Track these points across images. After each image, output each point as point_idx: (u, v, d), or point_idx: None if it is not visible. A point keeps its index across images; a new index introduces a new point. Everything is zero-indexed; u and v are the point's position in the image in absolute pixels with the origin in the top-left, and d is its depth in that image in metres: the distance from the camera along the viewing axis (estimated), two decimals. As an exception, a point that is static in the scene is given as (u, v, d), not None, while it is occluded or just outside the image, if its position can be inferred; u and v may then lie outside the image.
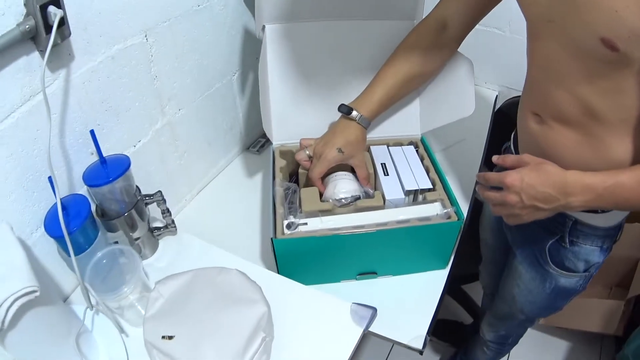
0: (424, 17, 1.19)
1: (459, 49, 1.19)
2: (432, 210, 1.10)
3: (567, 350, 2.10)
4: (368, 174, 1.18)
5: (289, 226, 1.05)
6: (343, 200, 1.12)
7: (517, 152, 1.11)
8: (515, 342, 1.59)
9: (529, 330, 2.08)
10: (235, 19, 1.39)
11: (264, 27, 1.24)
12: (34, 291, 0.76)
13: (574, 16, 0.75)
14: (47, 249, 1.00)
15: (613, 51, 0.72)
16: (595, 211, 0.96)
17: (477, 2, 1.05)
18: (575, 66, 0.81)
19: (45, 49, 0.84)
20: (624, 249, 1.97)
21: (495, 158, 0.95)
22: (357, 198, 1.14)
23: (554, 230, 1.05)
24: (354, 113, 1.15)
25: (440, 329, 2.05)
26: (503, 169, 0.90)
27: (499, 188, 0.89)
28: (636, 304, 1.86)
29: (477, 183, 0.99)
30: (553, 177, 0.84)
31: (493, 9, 1.07)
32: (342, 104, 1.17)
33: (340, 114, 1.18)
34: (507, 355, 2.03)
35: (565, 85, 0.84)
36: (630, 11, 0.67)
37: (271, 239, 1.02)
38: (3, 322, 0.74)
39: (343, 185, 1.15)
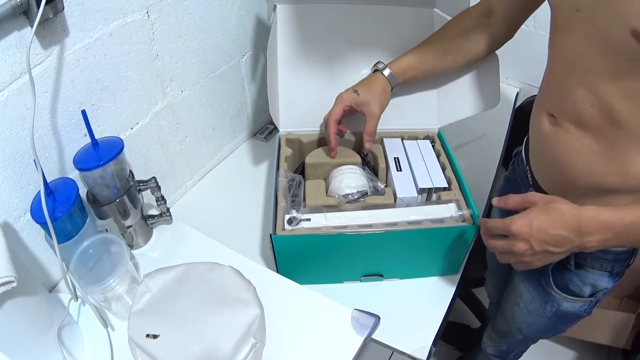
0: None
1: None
2: (447, 211, 1.03)
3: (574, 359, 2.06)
4: (374, 130, 1.12)
5: (290, 221, 0.99)
6: (350, 196, 1.06)
7: (527, 158, 1.03)
8: (518, 357, 1.53)
9: None
10: (245, -1, 1.33)
11: (275, 6, 1.18)
12: (11, 281, 0.71)
13: (604, 4, 0.68)
14: (34, 234, 0.96)
15: None
16: None
17: None
18: (600, 62, 0.73)
19: (42, 23, 0.80)
20: (636, 260, 1.93)
21: (495, 201, 0.87)
22: (365, 194, 1.07)
23: None
24: (386, 70, 1.12)
25: (447, 331, 1.99)
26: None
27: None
28: None
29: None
30: (565, 217, 0.77)
31: None
32: (379, 61, 1.15)
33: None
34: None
35: (587, 83, 0.76)
36: None
37: (270, 235, 0.96)
38: None
39: (350, 180, 1.08)
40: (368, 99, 1.10)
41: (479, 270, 1.53)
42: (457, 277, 1.15)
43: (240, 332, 0.80)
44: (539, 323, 1.12)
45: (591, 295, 0.99)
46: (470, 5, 1.12)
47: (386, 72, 1.11)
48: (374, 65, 1.14)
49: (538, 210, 0.78)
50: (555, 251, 0.79)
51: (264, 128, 1.62)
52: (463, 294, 2.05)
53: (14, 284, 0.73)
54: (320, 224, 0.99)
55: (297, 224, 0.99)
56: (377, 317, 0.90)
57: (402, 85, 1.14)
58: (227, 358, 0.77)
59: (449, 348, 2.01)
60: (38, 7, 0.79)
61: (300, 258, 1.02)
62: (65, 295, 0.97)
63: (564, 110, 0.83)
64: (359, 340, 0.87)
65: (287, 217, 1.00)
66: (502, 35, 1.10)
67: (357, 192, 1.07)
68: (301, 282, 1.00)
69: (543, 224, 0.77)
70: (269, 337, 0.87)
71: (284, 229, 0.98)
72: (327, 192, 1.10)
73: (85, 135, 1.00)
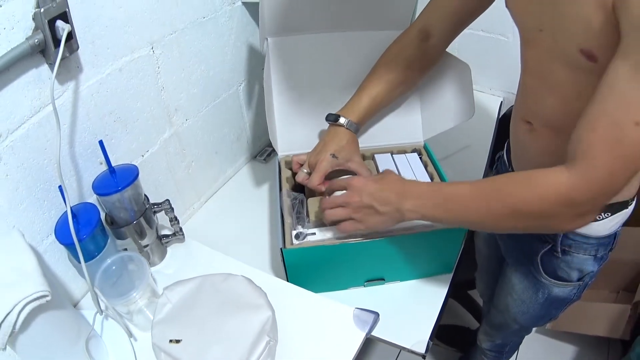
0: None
1: (457, 54, 1.20)
2: None
3: (574, 354, 2.08)
4: (369, 172, 1.16)
5: (297, 236, 1.06)
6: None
7: (509, 160, 1.11)
8: (513, 351, 1.58)
9: (536, 334, 2.08)
10: (240, 31, 1.42)
11: (266, 39, 1.26)
12: (45, 295, 0.78)
13: (559, 25, 0.76)
14: (57, 255, 1.03)
15: (591, 61, 0.73)
16: None
17: (459, 12, 1.05)
18: (564, 74, 0.81)
19: (54, 62, 0.86)
20: (629, 253, 1.98)
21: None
22: None
23: (545, 239, 1.03)
24: (342, 119, 1.15)
25: (447, 334, 2.05)
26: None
27: None
28: None
29: None
30: (392, 183, 0.93)
31: (494, 16, 1.07)
32: (329, 113, 1.18)
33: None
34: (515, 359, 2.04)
35: (556, 93, 0.84)
36: (602, 22, 0.67)
37: (281, 249, 1.03)
38: (14, 325, 0.76)
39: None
40: (347, 156, 1.14)
41: (471, 271, 1.60)
42: (450, 275, 1.21)
43: (255, 332, 0.87)
44: (532, 310, 1.18)
45: (579, 280, 1.06)
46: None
47: (345, 122, 1.15)
48: (327, 117, 1.19)
49: (374, 178, 0.97)
50: (379, 209, 0.92)
51: (262, 150, 1.70)
52: (459, 297, 2.10)
53: (48, 298, 0.79)
54: (324, 237, 1.06)
55: (304, 238, 1.05)
56: (377, 314, 0.96)
57: (361, 126, 1.20)
58: (245, 355, 0.83)
59: (450, 350, 2.05)
60: (55, 46, 0.86)
61: (308, 268, 1.08)
62: (87, 312, 1.03)
63: (538, 117, 0.92)
64: (361, 335, 0.94)
65: (294, 232, 1.06)
66: (439, 55, 1.18)
67: None
68: (310, 291, 1.06)
69: (374, 184, 0.94)
70: (281, 336, 0.93)
71: (292, 243, 1.05)
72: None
73: (101, 164, 1.07)
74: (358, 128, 1.18)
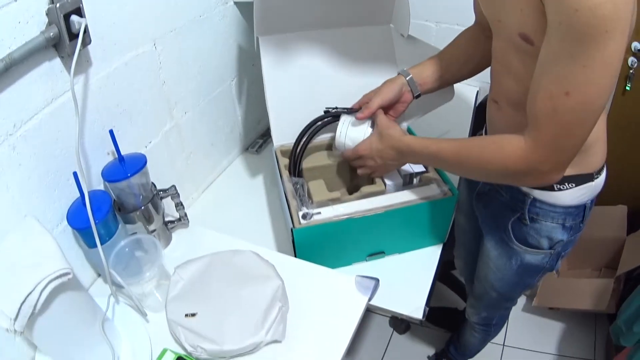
0: (401, 20, 1.33)
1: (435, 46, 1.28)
2: (430, 190, 1.19)
3: (562, 330, 2.13)
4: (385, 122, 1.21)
5: (304, 216, 1.11)
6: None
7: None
8: (501, 324, 1.63)
9: (523, 313, 2.15)
10: (232, 29, 1.46)
11: (257, 38, 1.31)
12: (67, 273, 0.80)
13: (507, 15, 0.87)
14: (66, 244, 1.04)
15: (529, 44, 0.83)
16: (551, 189, 1.02)
17: None
18: (516, 58, 0.91)
19: (70, 55, 0.90)
20: (609, 231, 2.07)
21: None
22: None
23: (515, 207, 1.09)
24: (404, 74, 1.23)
25: (436, 316, 2.09)
26: None
27: None
28: (627, 282, 1.92)
29: None
30: (392, 142, 1.11)
31: (470, 11, 1.18)
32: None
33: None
34: (503, 337, 2.09)
35: (512, 75, 0.95)
36: (532, 9, 0.78)
37: (291, 229, 1.08)
38: (35, 305, 0.76)
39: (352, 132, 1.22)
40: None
41: (451, 250, 1.67)
42: (441, 245, 1.30)
43: (268, 300, 0.91)
44: (507, 277, 1.25)
45: (550, 248, 1.12)
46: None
47: (405, 75, 1.22)
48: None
49: (376, 137, 1.15)
50: (391, 163, 1.16)
51: (254, 142, 1.75)
52: (445, 278, 2.16)
53: (70, 276, 0.81)
54: (329, 215, 1.12)
55: (311, 217, 1.11)
56: (377, 279, 1.02)
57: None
58: (260, 321, 0.88)
59: (440, 331, 2.11)
60: (70, 40, 0.89)
61: (316, 246, 1.13)
62: (97, 298, 1.04)
63: (503, 96, 1.02)
64: (364, 300, 1.00)
65: (300, 213, 1.11)
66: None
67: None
68: (316, 265, 1.12)
69: (378, 146, 1.14)
70: (290, 304, 0.97)
71: (300, 223, 1.10)
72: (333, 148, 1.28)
73: (108, 154, 1.10)
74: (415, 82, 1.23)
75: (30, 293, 0.75)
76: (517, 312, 2.18)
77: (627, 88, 1.88)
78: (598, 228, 2.05)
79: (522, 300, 2.21)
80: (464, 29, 1.23)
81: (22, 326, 0.76)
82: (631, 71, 1.84)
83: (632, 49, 1.80)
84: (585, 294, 1.98)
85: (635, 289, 1.72)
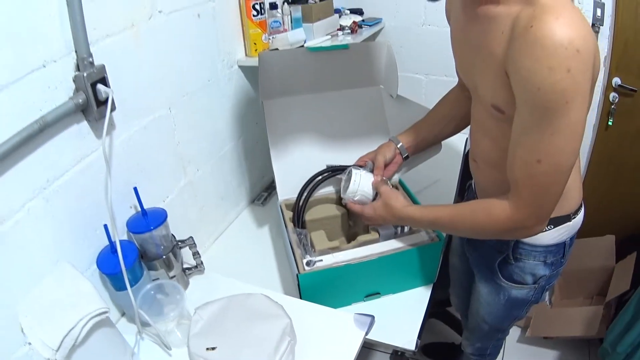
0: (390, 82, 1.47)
1: (425, 99, 1.42)
2: (419, 237, 1.29)
3: (557, 358, 2.16)
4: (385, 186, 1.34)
5: (308, 263, 1.21)
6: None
7: (476, 189, 1.30)
8: (495, 354, 1.67)
9: (519, 344, 2.20)
10: (237, 91, 1.60)
11: (262, 102, 1.45)
12: (106, 312, 0.91)
13: (482, 86, 1.00)
14: (94, 285, 1.11)
15: (500, 113, 0.96)
16: None
17: None
18: (490, 122, 1.04)
19: (97, 119, 1.02)
20: (598, 260, 2.15)
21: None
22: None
23: (501, 249, 1.19)
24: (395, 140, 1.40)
25: (434, 350, 2.16)
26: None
27: None
28: (618, 307, 1.96)
29: None
30: (394, 211, 1.22)
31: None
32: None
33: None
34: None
35: (488, 136, 1.07)
36: (502, 84, 0.90)
37: (296, 274, 1.18)
38: (77, 338, 0.87)
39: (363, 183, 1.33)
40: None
41: (446, 289, 1.76)
42: (431, 285, 1.37)
43: (278, 335, 0.99)
44: (496, 310, 1.33)
45: (534, 283, 1.21)
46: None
47: (395, 142, 1.39)
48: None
49: (380, 205, 1.25)
50: (389, 224, 1.29)
51: (259, 195, 1.86)
52: (441, 314, 2.23)
53: (108, 314, 0.92)
54: (330, 262, 1.22)
55: (314, 264, 1.21)
56: (372, 317, 1.12)
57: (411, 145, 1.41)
58: (272, 353, 0.96)
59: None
60: (98, 106, 1.01)
61: (319, 289, 1.23)
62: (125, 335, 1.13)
63: (480, 156, 1.15)
64: (362, 334, 1.09)
65: (304, 260, 1.22)
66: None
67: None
68: (319, 307, 1.21)
69: (382, 213, 1.24)
70: (298, 339, 1.06)
71: (304, 269, 1.20)
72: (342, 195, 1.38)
73: (131, 207, 1.21)
74: (404, 146, 1.40)
75: (72, 328, 0.86)
76: (512, 343, 2.22)
77: (610, 123, 1.96)
78: (588, 258, 2.15)
79: (516, 332, 2.26)
80: (451, 79, 1.37)
81: (63, 357, 0.86)
82: (612, 106, 1.92)
83: (613, 85, 1.88)
84: (576, 321, 2.03)
85: (619, 312, 1.78)
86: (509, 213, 0.98)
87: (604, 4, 1.68)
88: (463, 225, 1.10)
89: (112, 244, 1.08)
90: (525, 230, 1.00)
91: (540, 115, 0.84)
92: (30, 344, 0.88)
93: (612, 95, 1.91)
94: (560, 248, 1.16)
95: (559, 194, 0.94)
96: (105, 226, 1.06)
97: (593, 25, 1.73)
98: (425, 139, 1.39)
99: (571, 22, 0.78)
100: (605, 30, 1.75)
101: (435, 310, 2.18)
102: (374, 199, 1.32)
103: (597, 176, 2.13)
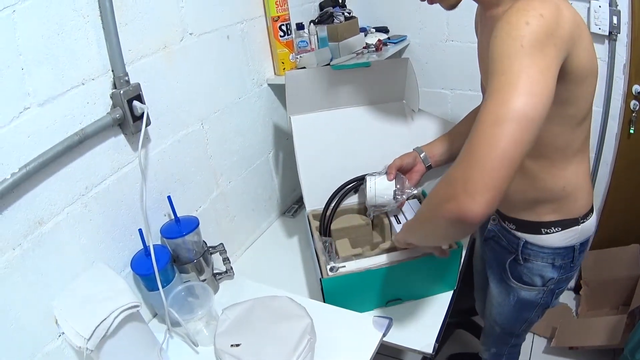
0: (412, 98, 1.50)
1: (450, 112, 1.43)
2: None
3: None
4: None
5: (332, 269, 1.25)
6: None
7: None
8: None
9: (544, 354, 2.16)
10: (267, 108, 1.67)
11: (290, 117, 1.51)
12: (137, 306, 0.97)
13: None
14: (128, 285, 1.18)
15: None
16: (539, 233, 1.13)
17: None
18: None
19: (133, 133, 1.10)
20: (623, 270, 2.09)
21: None
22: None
23: (511, 250, 1.20)
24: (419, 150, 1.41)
25: (459, 360, 2.15)
26: None
27: None
28: None
29: None
30: (397, 238, 1.20)
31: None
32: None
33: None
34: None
35: None
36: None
37: (320, 279, 1.22)
38: (108, 329, 0.93)
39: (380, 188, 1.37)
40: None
41: (471, 299, 1.75)
42: (451, 292, 1.38)
43: (299, 333, 1.03)
44: (507, 311, 1.34)
45: (543, 285, 1.21)
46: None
47: (420, 153, 1.40)
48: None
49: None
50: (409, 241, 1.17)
51: (290, 207, 1.91)
52: (466, 324, 2.20)
53: (139, 307, 0.98)
54: (353, 268, 1.25)
55: (337, 270, 1.25)
56: (390, 319, 1.15)
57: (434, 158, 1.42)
58: (292, 350, 1.00)
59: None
60: (134, 121, 1.08)
61: (342, 294, 1.25)
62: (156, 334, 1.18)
63: None
64: (379, 335, 1.12)
65: (328, 266, 1.26)
66: None
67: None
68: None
69: (397, 237, 1.20)
70: (318, 338, 1.08)
71: (328, 274, 1.24)
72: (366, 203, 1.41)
73: (165, 215, 1.27)
74: (426, 155, 1.41)
75: (105, 319, 0.92)
76: (537, 353, 2.19)
77: (631, 131, 1.90)
78: (613, 269, 2.10)
79: (542, 342, 2.21)
80: (476, 94, 1.38)
81: (94, 345, 0.92)
82: (634, 114, 1.86)
83: (634, 92, 1.83)
84: (600, 330, 1.98)
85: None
86: (443, 183, 0.85)
87: (619, 12, 1.66)
88: (421, 213, 1.03)
89: (146, 248, 1.14)
90: (454, 202, 0.78)
91: (494, 66, 0.80)
92: (63, 333, 0.95)
93: (633, 102, 1.85)
94: (570, 252, 1.16)
95: (496, 170, 0.75)
96: (140, 230, 1.13)
97: (610, 33, 1.70)
98: (449, 151, 1.41)
99: (543, 4, 0.80)
100: (623, 37, 1.72)
101: (460, 319, 2.17)
102: (395, 196, 1.35)
103: (621, 185, 2.07)
